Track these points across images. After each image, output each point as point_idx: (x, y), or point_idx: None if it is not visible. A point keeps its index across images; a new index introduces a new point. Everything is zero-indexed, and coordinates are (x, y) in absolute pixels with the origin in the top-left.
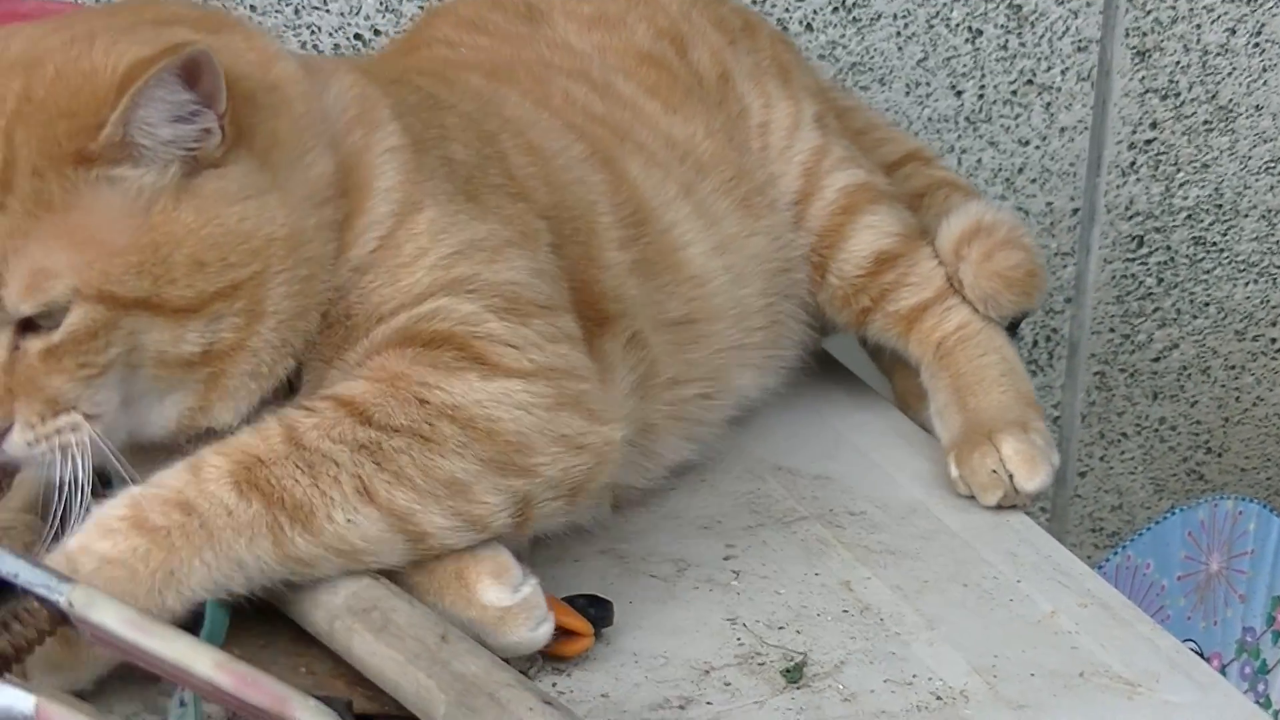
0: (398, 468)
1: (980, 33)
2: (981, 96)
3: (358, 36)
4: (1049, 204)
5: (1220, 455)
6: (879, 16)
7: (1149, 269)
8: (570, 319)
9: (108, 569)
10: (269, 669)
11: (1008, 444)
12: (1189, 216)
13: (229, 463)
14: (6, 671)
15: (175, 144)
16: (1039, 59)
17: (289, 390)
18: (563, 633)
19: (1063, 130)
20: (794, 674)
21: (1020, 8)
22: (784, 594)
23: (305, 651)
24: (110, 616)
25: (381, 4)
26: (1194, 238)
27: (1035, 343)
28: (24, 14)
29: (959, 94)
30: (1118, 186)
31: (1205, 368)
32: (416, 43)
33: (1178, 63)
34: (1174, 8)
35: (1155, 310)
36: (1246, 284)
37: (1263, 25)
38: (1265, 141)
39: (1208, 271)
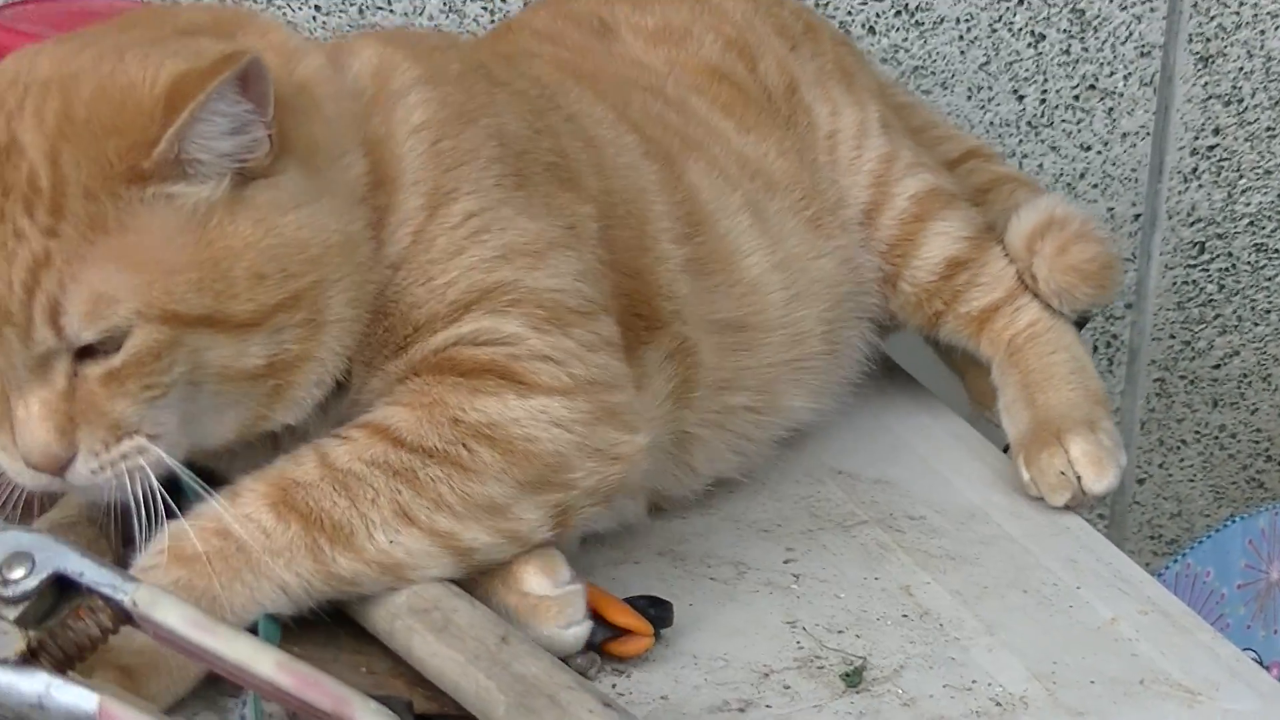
0: (436, 495)
1: (1043, 37)
2: (1043, 101)
3: None
4: (1110, 209)
5: None
6: (941, 20)
7: (1210, 275)
8: (610, 322)
9: None
10: (329, 668)
11: (1076, 445)
12: (1251, 223)
13: (265, 486)
14: (70, 670)
15: (230, 156)
16: (1101, 64)
17: (339, 390)
18: (623, 632)
19: (1125, 136)
20: (853, 678)
21: (1083, 12)
22: (844, 598)
23: (365, 650)
24: (173, 616)
25: (446, 4)
26: (1256, 244)
27: (1095, 348)
28: (98, 11)
29: (1021, 98)
30: (1179, 192)
31: (1266, 375)
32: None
33: (1241, 68)
34: (1238, 14)
35: (1216, 317)
36: None
37: None
38: None
39: (1269, 278)
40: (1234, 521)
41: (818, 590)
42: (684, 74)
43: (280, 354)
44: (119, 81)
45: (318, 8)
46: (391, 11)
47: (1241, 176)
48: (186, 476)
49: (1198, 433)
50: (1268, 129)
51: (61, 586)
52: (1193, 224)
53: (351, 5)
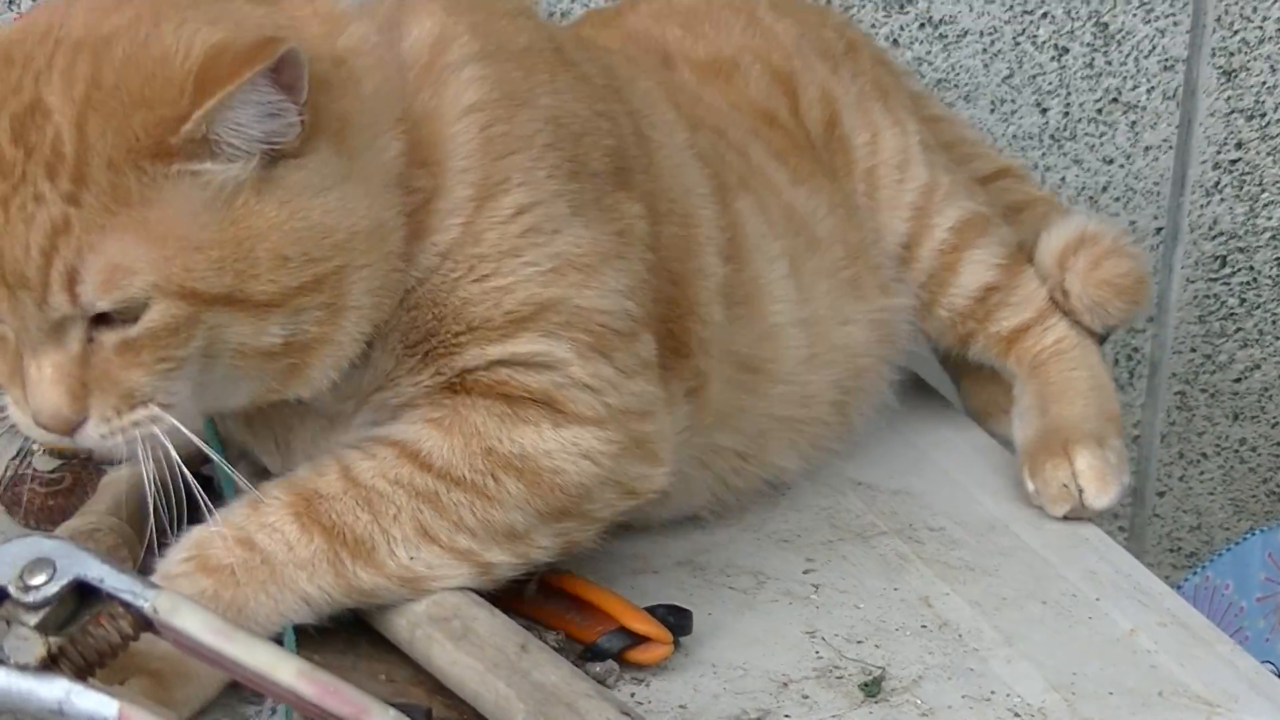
0: (458, 518)
1: (1066, 50)
2: (1066, 114)
3: None
4: (1132, 223)
5: None
6: (965, 33)
7: (1232, 289)
8: (649, 340)
9: None
10: (349, 676)
11: (1082, 458)
12: (1273, 237)
13: (289, 495)
14: (90, 676)
15: (260, 140)
16: (1125, 77)
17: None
18: (642, 640)
19: (1147, 149)
20: (872, 688)
21: (1107, 26)
22: (863, 608)
23: (385, 658)
24: (194, 623)
25: None
26: (1277, 258)
27: (1116, 361)
28: None
29: (1044, 111)
30: (1201, 206)
31: None
32: None
33: (1264, 83)
34: (1261, 28)
35: (1237, 330)
36: None
37: None
38: None
39: None
40: (1254, 535)
41: (837, 600)
42: (741, 117)
43: (298, 335)
44: (152, 52)
45: None
46: None
47: (1264, 191)
48: (218, 459)
49: (1218, 446)
50: None
51: (82, 593)
52: (1214, 238)
53: None
